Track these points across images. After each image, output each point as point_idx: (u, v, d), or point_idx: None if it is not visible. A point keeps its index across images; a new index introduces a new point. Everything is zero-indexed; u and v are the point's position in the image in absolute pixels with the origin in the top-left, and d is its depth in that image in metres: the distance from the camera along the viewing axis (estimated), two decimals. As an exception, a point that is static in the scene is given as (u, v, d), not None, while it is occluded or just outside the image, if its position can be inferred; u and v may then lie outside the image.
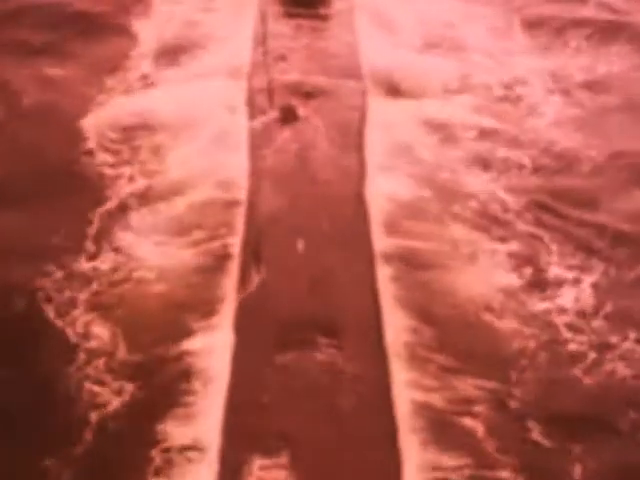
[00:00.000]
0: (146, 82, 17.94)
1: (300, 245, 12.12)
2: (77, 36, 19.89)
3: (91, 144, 15.70)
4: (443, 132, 16.17)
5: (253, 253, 12.18)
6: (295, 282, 11.56)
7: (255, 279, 11.63)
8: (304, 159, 14.12)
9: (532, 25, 20.74)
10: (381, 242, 12.91)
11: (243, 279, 11.85)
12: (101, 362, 11.12)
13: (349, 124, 15.57)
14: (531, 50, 19.59)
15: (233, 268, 12.29)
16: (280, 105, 15.48)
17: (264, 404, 9.85)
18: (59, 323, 11.76)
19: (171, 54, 18.93)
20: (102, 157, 15.35)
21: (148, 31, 20.09)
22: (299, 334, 10.66)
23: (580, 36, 20.40)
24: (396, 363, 10.81)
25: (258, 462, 9.11)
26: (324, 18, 19.45)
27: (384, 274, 12.27)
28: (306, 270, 11.73)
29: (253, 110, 15.97)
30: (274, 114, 15.34)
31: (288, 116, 15.12)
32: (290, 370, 10.28)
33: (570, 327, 11.87)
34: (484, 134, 16.27)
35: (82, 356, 11.22)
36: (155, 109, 16.58)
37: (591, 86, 18.17)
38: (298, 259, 11.92)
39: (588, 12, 21.76)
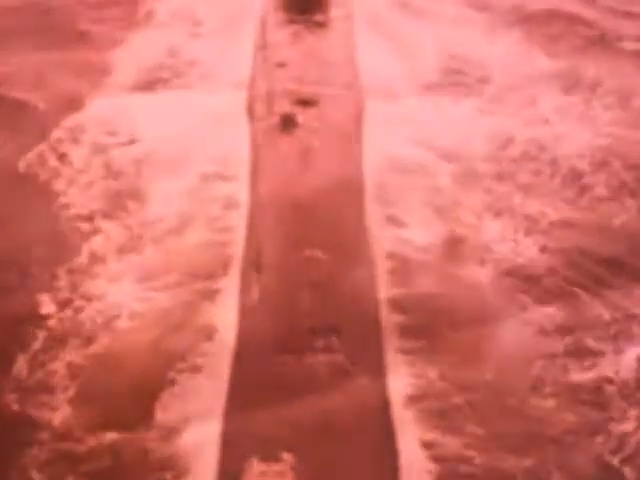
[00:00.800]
0: (127, 105, 17.08)
1: (298, 256, 11.84)
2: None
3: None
4: (458, 164, 15.07)
5: (254, 265, 11.89)
6: (296, 293, 11.31)
7: (256, 290, 11.34)
8: (303, 167, 14.00)
9: (555, 45, 19.78)
10: (390, 289, 12.02)
11: (243, 292, 11.51)
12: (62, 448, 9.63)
13: (348, 132, 15.46)
14: (555, 80, 18.38)
15: (226, 298, 11.68)
16: (279, 113, 15.36)
17: (264, 411, 9.63)
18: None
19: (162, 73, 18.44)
20: (75, 208, 13.99)
21: (131, 56, 19.32)
22: (299, 344, 10.46)
23: (608, 60, 19.31)
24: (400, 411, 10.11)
25: (257, 468, 8.88)
26: (322, 25, 19.49)
27: (392, 321, 11.47)
28: (306, 281, 11.46)
29: (252, 119, 15.88)
30: (274, 121, 15.20)
31: (287, 123, 14.99)
32: (290, 377, 10.11)
33: (615, 401, 10.58)
34: (502, 177, 14.99)
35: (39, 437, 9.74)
36: (141, 135, 15.77)
37: (619, 121, 16.99)
38: (298, 269, 11.71)
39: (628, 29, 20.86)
